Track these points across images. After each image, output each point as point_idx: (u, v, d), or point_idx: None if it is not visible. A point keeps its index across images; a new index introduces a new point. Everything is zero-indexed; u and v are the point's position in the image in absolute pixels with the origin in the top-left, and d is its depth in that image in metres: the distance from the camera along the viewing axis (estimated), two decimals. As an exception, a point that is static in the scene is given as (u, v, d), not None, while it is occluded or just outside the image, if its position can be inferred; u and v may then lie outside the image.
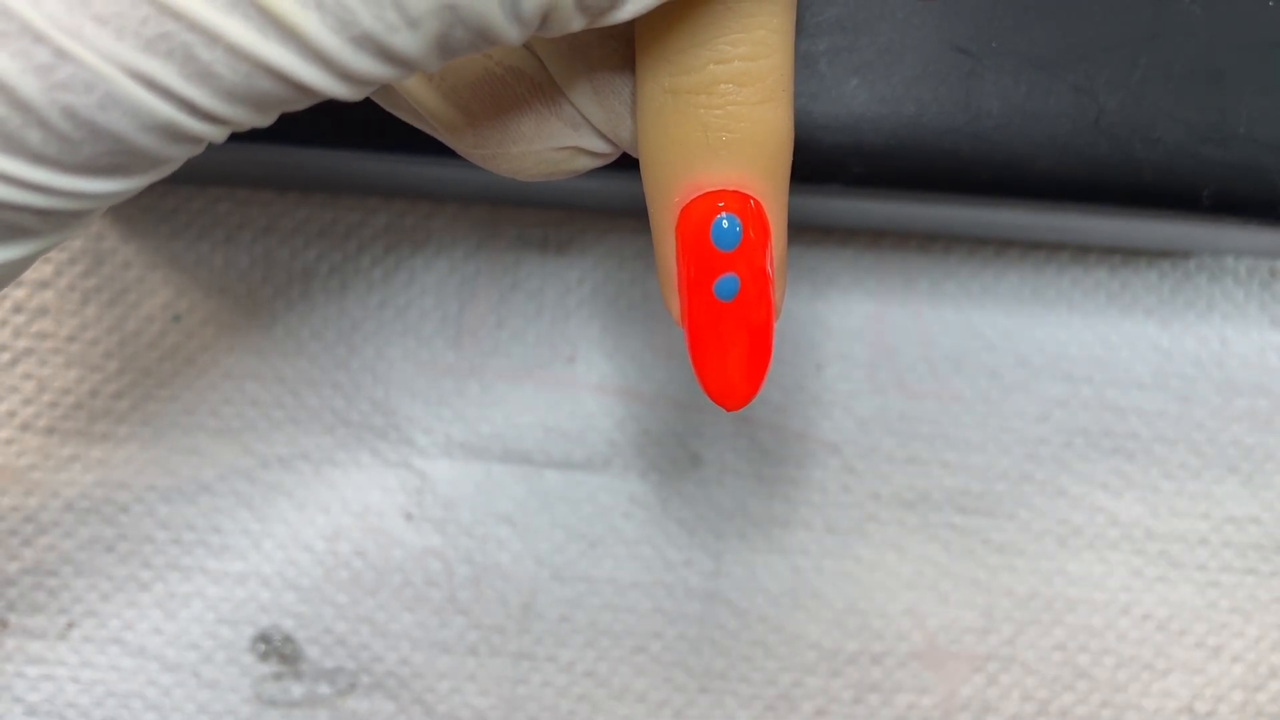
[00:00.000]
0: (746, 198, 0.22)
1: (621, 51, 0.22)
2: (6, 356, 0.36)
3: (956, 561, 0.37)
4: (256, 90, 0.17)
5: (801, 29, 0.26)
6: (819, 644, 0.37)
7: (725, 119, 0.21)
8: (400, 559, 0.36)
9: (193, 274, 0.37)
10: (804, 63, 0.27)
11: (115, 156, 0.17)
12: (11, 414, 0.36)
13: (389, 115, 0.23)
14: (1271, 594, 0.37)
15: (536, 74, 0.22)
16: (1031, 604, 0.37)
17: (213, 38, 0.16)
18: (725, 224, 0.22)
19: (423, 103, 0.22)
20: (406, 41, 0.17)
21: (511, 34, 0.18)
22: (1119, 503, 0.37)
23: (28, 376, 0.36)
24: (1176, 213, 0.28)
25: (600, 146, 0.23)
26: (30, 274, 0.36)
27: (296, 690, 0.36)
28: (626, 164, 0.23)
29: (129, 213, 0.36)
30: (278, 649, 0.36)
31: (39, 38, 0.15)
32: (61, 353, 0.36)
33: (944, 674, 0.37)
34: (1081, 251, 0.37)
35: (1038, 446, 0.37)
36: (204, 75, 0.16)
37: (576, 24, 0.18)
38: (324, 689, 0.36)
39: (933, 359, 0.37)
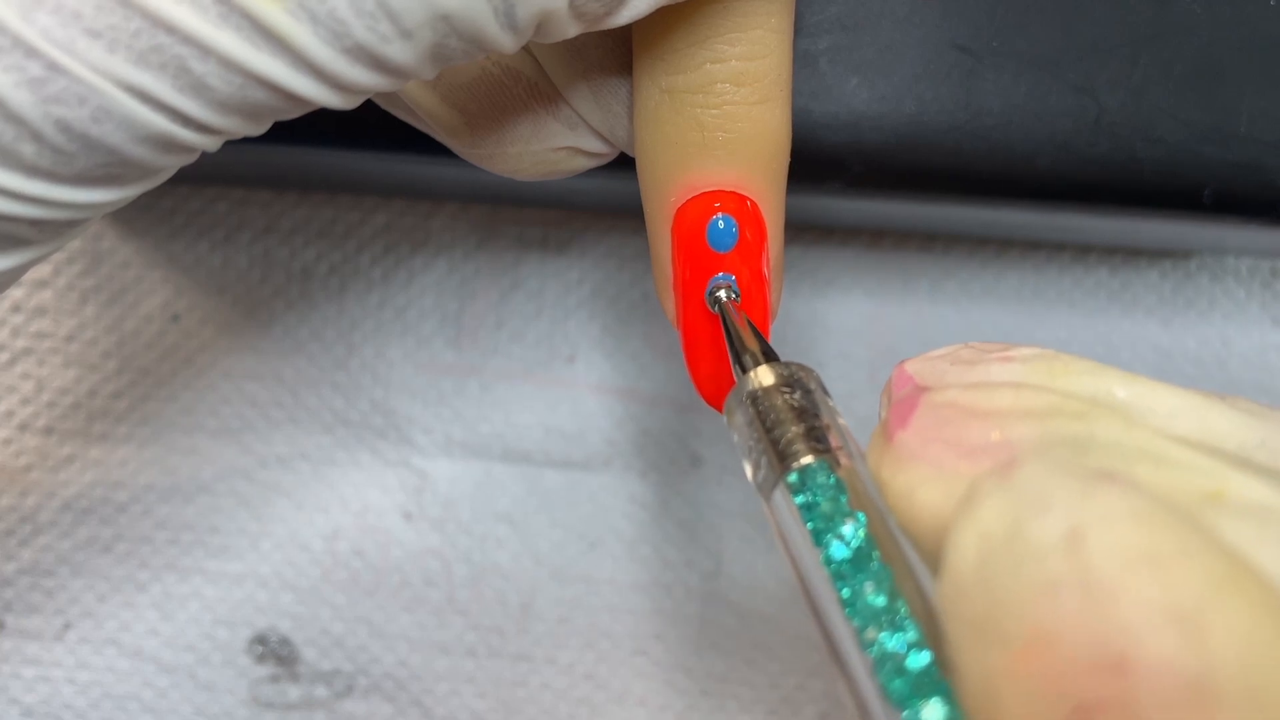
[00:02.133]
0: (743, 198, 0.22)
1: (619, 52, 0.22)
2: (4, 356, 0.36)
3: (957, 562, 0.37)
4: (249, 101, 0.17)
5: (801, 28, 0.26)
6: (822, 645, 0.36)
7: (722, 118, 0.21)
8: (399, 559, 0.36)
9: (191, 274, 0.36)
10: (804, 61, 0.26)
11: (109, 167, 0.17)
12: (9, 414, 0.36)
13: (387, 115, 0.23)
14: (1273, 595, 0.37)
15: (534, 75, 0.22)
16: (1032, 605, 0.37)
17: (205, 50, 0.16)
18: (721, 225, 0.22)
19: (420, 103, 0.22)
20: (400, 52, 0.17)
21: (506, 43, 0.18)
22: (1120, 503, 0.37)
23: (26, 376, 0.36)
24: (1177, 212, 0.28)
25: (597, 146, 0.23)
26: (28, 273, 0.36)
27: (293, 692, 0.36)
28: (627, 163, 0.23)
29: (127, 213, 0.36)
30: (274, 651, 0.36)
31: (31, 52, 0.15)
32: (59, 352, 0.36)
33: (944, 675, 0.36)
34: (1082, 251, 0.37)
35: (1038, 447, 0.37)
36: (197, 87, 0.16)
37: (572, 31, 0.18)
38: (321, 691, 0.36)
39: (933, 359, 0.37)
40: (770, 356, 0.21)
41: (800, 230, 0.37)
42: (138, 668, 0.36)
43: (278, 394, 0.37)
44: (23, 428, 0.36)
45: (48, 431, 0.36)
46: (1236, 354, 0.37)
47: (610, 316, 0.37)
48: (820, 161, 0.27)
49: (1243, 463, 0.15)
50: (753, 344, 0.21)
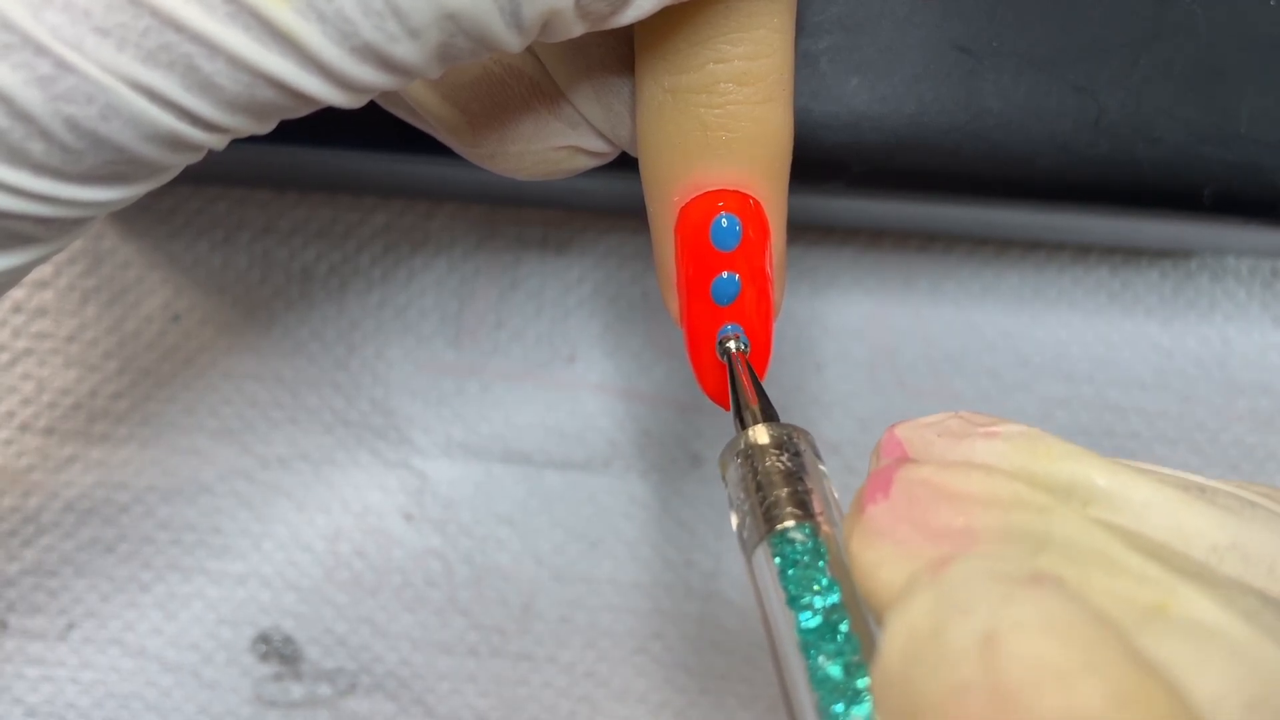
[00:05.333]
0: (746, 197, 0.22)
1: (621, 51, 0.22)
2: (5, 357, 0.36)
3: (957, 561, 0.37)
4: (257, 100, 0.17)
5: (802, 28, 0.26)
6: (819, 644, 0.37)
7: (725, 118, 0.21)
8: (400, 559, 0.36)
9: (191, 274, 0.37)
10: (804, 62, 0.27)
11: (117, 166, 0.17)
12: (10, 414, 0.36)
13: (388, 115, 0.23)
14: (1273, 594, 0.37)
15: (535, 74, 0.22)
16: (1032, 604, 0.37)
17: (214, 49, 0.16)
18: (725, 223, 0.22)
19: (422, 103, 0.22)
20: (407, 51, 0.17)
21: (512, 42, 0.18)
22: (1120, 502, 0.37)
23: (27, 377, 0.36)
24: (1177, 212, 0.28)
25: (599, 146, 0.23)
26: (29, 274, 0.36)
27: (297, 691, 0.36)
28: (627, 163, 0.23)
29: (127, 213, 0.36)
30: (278, 650, 0.36)
31: (41, 50, 0.15)
32: (60, 353, 0.36)
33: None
34: (1082, 251, 0.37)
35: (1038, 446, 0.37)
36: (205, 86, 0.16)
37: (577, 30, 0.18)
38: (324, 690, 0.36)
39: (933, 359, 0.37)
40: (769, 416, 0.22)
41: (800, 230, 0.37)
42: (141, 667, 0.36)
43: (278, 394, 0.37)
44: (24, 428, 0.36)
45: (49, 432, 0.36)
46: (1237, 354, 0.37)
47: (610, 315, 0.37)
48: (820, 161, 0.27)
49: (1198, 573, 0.15)
50: (754, 401, 0.22)
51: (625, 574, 0.37)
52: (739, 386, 0.22)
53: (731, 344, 0.23)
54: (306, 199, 0.37)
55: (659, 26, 0.21)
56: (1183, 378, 0.37)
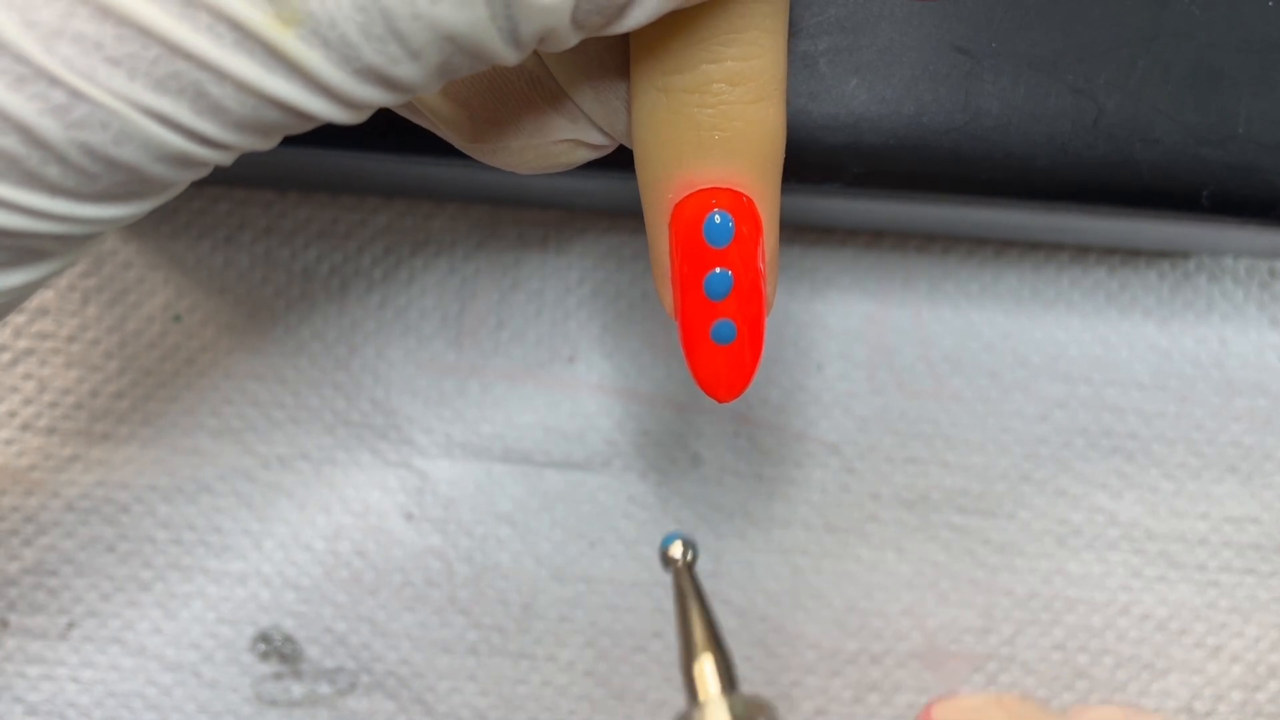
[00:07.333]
0: (739, 195, 0.22)
1: (619, 50, 0.22)
2: (7, 356, 0.36)
3: (956, 561, 0.37)
4: (264, 120, 0.17)
5: (801, 29, 0.27)
6: (818, 644, 0.37)
7: (718, 117, 0.21)
8: (400, 559, 0.36)
9: (193, 274, 0.37)
10: (804, 63, 0.27)
11: (129, 185, 0.18)
12: (12, 414, 0.36)
13: (389, 115, 0.24)
14: (1271, 594, 0.37)
15: (535, 69, 0.22)
16: (1031, 604, 0.37)
17: (222, 75, 0.17)
18: (718, 220, 0.22)
19: (423, 99, 0.22)
20: (408, 71, 0.17)
21: (511, 57, 0.18)
22: (1118, 503, 0.37)
23: (28, 376, 0.36)
24: (1175, 213, 0.28)
25: (598, 139, 0.23)
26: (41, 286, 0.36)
27: (297, 690, 0.36)
28: (627, 164, 0.24)
29: (130, 213, 0.37)
30: (278, 649, 0.36)
31: (54, 81, 0.16)
32: (62, 353, 0.36)
33: (943, 674, 0.37)
34: (1080, 252, 0.37)
35: (1037, 446, 0.37)
36: (213, 109, 0.17)
37: (574, 41, 0.19)
38: (324, 688, 0.36)
39: (932, 359, 0.37)
40: (725, 669, 0.19)
41: (799, 230, 0.37)
42: (141, 665, 0.36)
43: (279, 394, 0.37)
44: (25, 427, 0.36)
45: (50, 431, 0.36)
46: (1234, 354, 0.37)
47: (610, 316, 0.37)
48: (820, 162, 0.27)
49: None
50: (709, 646, 0.20)
51: (625, 573, 0.37)
52: (690, 620, 0.20)
53: (676, 551, 0.21)
54: (308, 199, 0.37)
55: (653, 29, 0.21)
56: (1180, 378, 0.37)
